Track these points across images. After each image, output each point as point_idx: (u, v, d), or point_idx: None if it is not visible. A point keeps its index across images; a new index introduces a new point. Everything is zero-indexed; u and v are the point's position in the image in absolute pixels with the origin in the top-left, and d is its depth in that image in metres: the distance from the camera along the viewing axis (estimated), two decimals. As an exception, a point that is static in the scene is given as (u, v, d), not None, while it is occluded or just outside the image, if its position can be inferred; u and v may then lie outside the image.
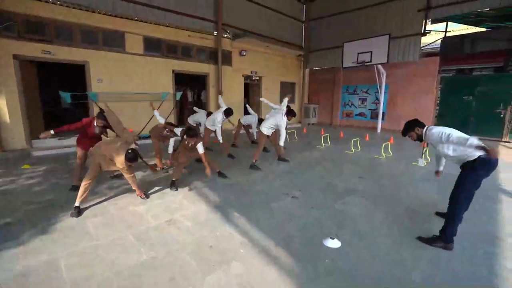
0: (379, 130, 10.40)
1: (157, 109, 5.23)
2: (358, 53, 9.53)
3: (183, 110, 10.35)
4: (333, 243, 2.49)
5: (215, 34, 9.14)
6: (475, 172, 2.38)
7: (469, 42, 8.82)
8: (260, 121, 6.92)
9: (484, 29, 9.52)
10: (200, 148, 3.90)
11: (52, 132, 3.46)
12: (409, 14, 9.24)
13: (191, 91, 11.88)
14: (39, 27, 6.03)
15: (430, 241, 2.52)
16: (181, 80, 9.67)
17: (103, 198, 3.51)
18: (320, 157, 6.10)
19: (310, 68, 13.20)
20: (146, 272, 2.07)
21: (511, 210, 3.28)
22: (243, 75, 10.47)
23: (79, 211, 3.04)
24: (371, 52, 9.19)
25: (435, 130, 2.50)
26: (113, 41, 7.13)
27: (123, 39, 7.26)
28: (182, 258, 2.26)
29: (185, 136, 3.86)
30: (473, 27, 10.14)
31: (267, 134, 5.20)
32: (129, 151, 3.16)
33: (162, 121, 4.71)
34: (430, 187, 4.08)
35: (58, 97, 9.83)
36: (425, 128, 2.63)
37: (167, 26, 8.01)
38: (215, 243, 2.50)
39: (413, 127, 2.69)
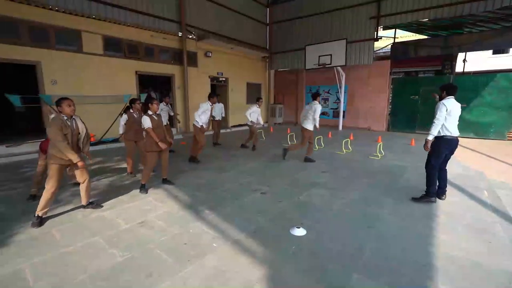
0: (340, 127, 11.16)
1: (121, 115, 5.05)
2: (319, 56, 10.14)
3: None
4: (299, 232, 2.74)
5: (179, 35, 9.03)
6: (439, 147, 3.31)
7: (413, 48, 9.91)
8: None
9: (425, 37, 10.77)
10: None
11: None
12: (363, 21, 10.10)
13: (155, 92, 11.56)
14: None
15: (420, 199, 3.48)
16: (146, 81, 9.38)
17: (67, 205, 3.37)
18: (287, 154, 6.40)
19: (275, 69, 13.64)
20: (123, 272, 2.10)
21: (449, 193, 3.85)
22: (209, 76, 10.49)
23: (40, 221, 2.88)
24: (331, 55, 9.85)
25: (441, 106, 3.22)
26: (68, 40, 6.71)
27: (79, 38, 6.86)
28: (158, 256, 2.32)
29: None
30: (417, 34, 11.41)
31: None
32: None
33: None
34: (383, 178, 4.58)
35: None
36: (444, 100, 3.27)
37: (128, 26, 7.74)
38: (189, 239, 2.59)
39: (447, 91, 3.32)
